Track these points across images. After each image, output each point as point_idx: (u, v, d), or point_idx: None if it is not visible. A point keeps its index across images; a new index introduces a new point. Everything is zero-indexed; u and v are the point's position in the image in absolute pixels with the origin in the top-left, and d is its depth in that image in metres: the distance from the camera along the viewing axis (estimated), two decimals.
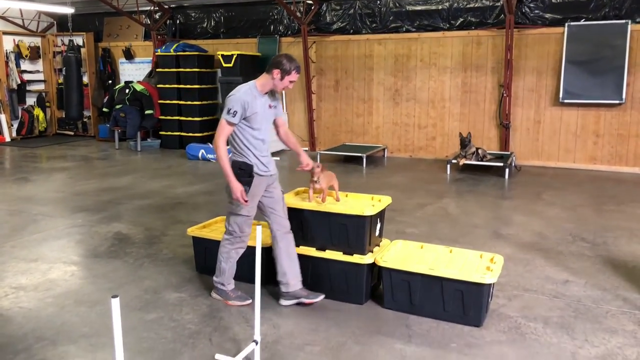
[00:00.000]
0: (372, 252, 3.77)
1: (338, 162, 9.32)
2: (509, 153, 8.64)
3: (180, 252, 4.74)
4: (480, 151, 8.28)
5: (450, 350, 3.12)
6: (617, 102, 8.05)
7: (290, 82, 3.51)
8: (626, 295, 3.82)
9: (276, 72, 3.46)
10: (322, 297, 3.70)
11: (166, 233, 5.30)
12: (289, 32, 10.58)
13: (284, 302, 3.72)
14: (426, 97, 9.63)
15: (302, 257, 3.80)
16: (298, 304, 3.70)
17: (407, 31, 9.64)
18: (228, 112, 3.42)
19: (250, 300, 3.70)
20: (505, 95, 8.78)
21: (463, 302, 3.39)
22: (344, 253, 3.72)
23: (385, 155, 9.90)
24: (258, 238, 2.80)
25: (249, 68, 10.26)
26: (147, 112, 10.50)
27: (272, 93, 3.60)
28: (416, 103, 9.72)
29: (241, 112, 3.42)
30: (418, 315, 3.52)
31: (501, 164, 7.96)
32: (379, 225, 3.90)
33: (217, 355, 3.06)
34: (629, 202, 6.41)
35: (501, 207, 6.31)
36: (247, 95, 3.44)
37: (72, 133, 12.53)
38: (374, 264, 3.69)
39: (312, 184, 3.85)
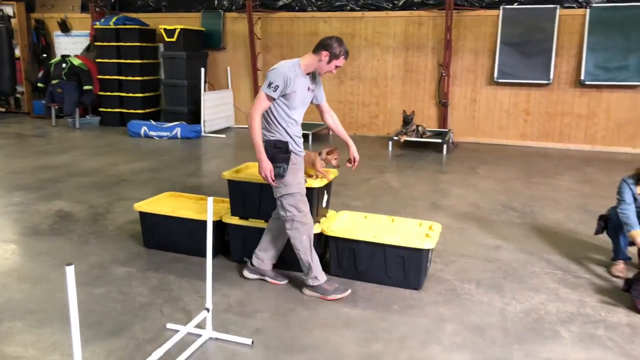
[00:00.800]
0: (319, 222, 3.92)
1: None
2: (447, 130, 9.03)
3: (126, 229, 4.72)
4: (420, 128, 8.60)
5: (393, 312, 3.35)
6: (546, 82, 8.57)
7: (336, 66, 3.37)
8: (549, 258, 4.19)
9: (325, 54, 3.31)
10: (286, 281, 3.73)
11: (111, 210, 5.24)
12: (234, 7, 10.45)
13: (248, 273, 3.77)
14: (370, 76, 9.84)
15: (252, 229, 3.91)
16: (261, 279, 3.76)
17: (352, 10, 9.77)
18: (269, 85, 3.26)
19: (349, 291, 3.57)
20: (444, 74, 9.13)
21: (404, 267, 3.62)
22: None
23: (331, 133, 10.07)
24: (209, 210, 2.88)
25: (193, 43, 10.09)
26: (85, 87, 10.14)
27: (313, 76, 3.45)
28: (360, 81, 9.91)
29: (282, 88, 3.26)
30: (363, 281, 3.72)
31: (439, 141, 8.32)
32: (325, 197, 4.05)
33: (168, 325, 3.13)
34: (554, 175, 6.91)
35: (439, 181, 6.64)
36: (290, 72, 3.28)
37: (3, 109, 11.91)
38: (321, 234, 3.85)
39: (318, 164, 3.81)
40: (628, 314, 3.31)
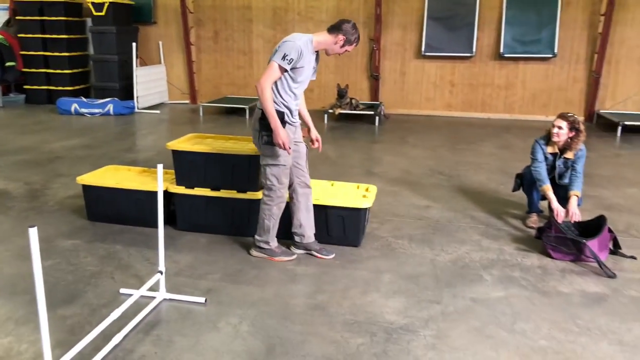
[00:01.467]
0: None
1: (220, 114, 9.43)
2: (378, 102, 9.40)
3: (67, 203, 4.71)
4: (353, 101, 8.92)
5: (334, 267, 3.63)
6: (469, 54, 9.10)
7: (346, 51, 3.47)
8: (473, 214, 4.62)
9: (341, 38, 3.37)
10: (333, 255, 3.75)
11: (49, 186, 5.18)
12: None
13: (294, 249, 3.81)
14: None
15: (198, 198, 4.05)
16: (307, 254, 3.79)
17: None
18: (283, 57, 3.24)
19: (295, 255, 3.76)
20: (375, 48, 9.45)
21: (344, 226, 3.90)
22: (238, 191, 4.03)
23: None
24: (160, 177, 3.00)
25: (123, 17, 9.81)
26: (7, 64, 9.64)
27: (317, 56, 3.51)
28: None
29: (295, 61, 3.27)
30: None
31: (372, 113, 8.69)
32: None
33: (122, 290, 3.25)
34: (477, 142, 7.46)
35: (372, 150, 7.00)
36: (305, 47, 3.30)
37: None
38: None
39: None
40: (540, 257, 3.77)
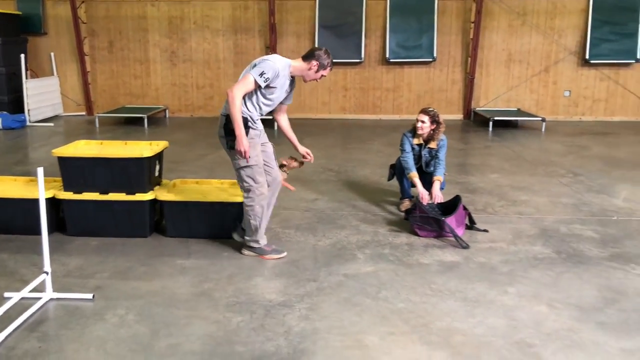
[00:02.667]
0: (153, 190, 4.27)
1: (118, 124, 9.33)
2: None
3: None
4: None
5: (223, 258, 3.86)
6: (358, 60, 9.71)
7: (322, 76, 3.66)
8: (355, 204, 5.05)
9: (315, 64, 3.58)
10: (285, 254, 3.86)
11: None
12: None
13: (246, 251, 3.89)
14: (202, 58, 10.14)
15: (86, 203, 4.12)
16: (256, 255, 3.87)
17: None
18: (261, 74, 3.41)
19: (285, 253, 3.86)
20: None
21: (232, 220, 4.14)
22: (127, 193, 4.15)
23: (167, 116, 10.20)
24: (40, 177, 3.10)
25: (9, 28, 9.44)
26: None
27: (292, 81, 3.71)
28: (193, 64, 10.17)
29: (271, 80, 3.45)
30: (197, 238, 4.17)
31: (270, 117, 8.98)
32: (157, 167, 4.40)
33: (6, 294, 3.27)
34: (367, 141, 8.02)
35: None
36: (282, 70, 3.51)
37: None
38: (155, 201, 4.21)
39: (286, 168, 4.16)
40: (408, 236, 4.24)
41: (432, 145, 4.66)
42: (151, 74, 10.25)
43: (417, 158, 4.72)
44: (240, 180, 3.70)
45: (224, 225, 4.14)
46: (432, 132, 4.65)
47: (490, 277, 3.51)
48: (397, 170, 4.87)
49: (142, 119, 9.17)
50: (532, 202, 5.10)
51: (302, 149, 4.05)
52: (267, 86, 3.50)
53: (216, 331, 2.89)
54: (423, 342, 2.77)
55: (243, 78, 3.49)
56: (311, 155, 4.07)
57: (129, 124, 9.32)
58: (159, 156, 4.39)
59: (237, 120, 3.43)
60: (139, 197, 4.14)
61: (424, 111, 4.65)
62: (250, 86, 3.47)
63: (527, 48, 9.76)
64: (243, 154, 3.50)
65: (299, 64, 3.64)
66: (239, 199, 4.10)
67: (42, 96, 9.63)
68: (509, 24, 9.71)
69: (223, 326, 2.94)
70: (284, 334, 2.84)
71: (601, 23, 9.47)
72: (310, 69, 3.62)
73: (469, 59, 9.67)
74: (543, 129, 8.95)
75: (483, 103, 9.97)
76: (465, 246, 3.99)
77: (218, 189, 4.40)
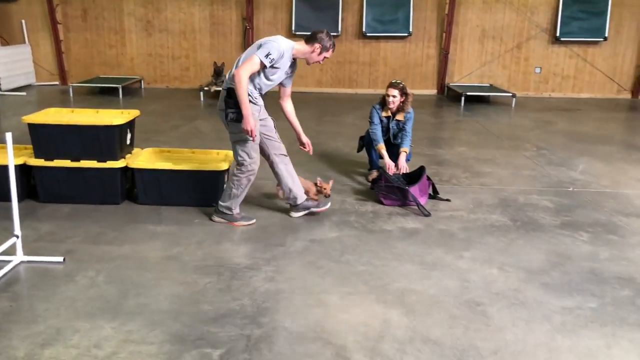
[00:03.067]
0: (124, 158, 4.34)
1: (93, 94, 9.26)
2: None
3: None
4: None
5: (194, 224, 3.97)
6: (335, 34, 9.72)
7: (324, 58, 3.73)
8: (326, 174, 5.17)
9: (317, 47, 3.67)
10: (329, 205, 4.09)
11: None
12: None
13: (295, 214, 4.09)
14: (178, 29, 10.05)
15: (58, 170, 4.17)
16: (309, 213, 4.09)
17: None
18: (266, 55, 3.49)
19: (254, 220, 3.97)
20: (248, 27, 9.76)
21: (204, 188, 4.25)
22: (98, 161, 4.21)
23: (142, 87, 10.13)
24: (9, 151, 3.15)
25: None
26: None
27: (293, 63, 3.77)
28: (169, 34, 10.07)
29: (275, 61, 3.53)
30: (168, 205, 4.27)
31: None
32: (129, 135, 4.46)
33: None
34: (341, 114, 8.12)
35: None
36: (286, 51, 3.58)
37: None
38: (127, 168, 4.28)
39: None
40: (374, 205, 4.40)
41: (400, 117, 4.80)
42: (126, 44, 10.14)
43: (386, 130, 4.85)
44: (236, 153, 3.81)
45: (195, 193, 4.25)
46: (401, 104, 4.78)
47: (448, 243, 3.70)
48: (366, 142, 5.01)
49: (116, 89, 9.11)
50: (495, 174, 5.30)
51: (305, 139, 4.18)
52: (272, 66, 3.58)
53: (184, 291, 3.02)
54: (379, 301, 2.95)
55: (249, 59, 3.54)
56: (310, 146, 4.21)
57: (103, 94, 9.25)
58: (130, 124, 4.44)
59: (244, 101, 3.52)
60: (110, 164, 4.20)
61: (393, 85, 4.76)
62: (257, 67, 3.54)
63: (501, 24, 9.90)
64: (250, 133, 3.59)
65: (302, 46, 3.72)
66: (211, 167, 4.21)
67: (14, 64, 9.48)
68: (483, 0, 9.81)
69: (190, 287, 3.07)
70: (249, 294, 2.99)
71: (572, 1, 9.64)
72: (313, 51, 3.71)
73: (444, 34, 9.77)
74: (513, 105, 9.17)
75: (457, 78, 10.12)
76: (427, 214, 4.17)
77: (190, 158, 4.48)
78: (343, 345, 2.54)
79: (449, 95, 10.02)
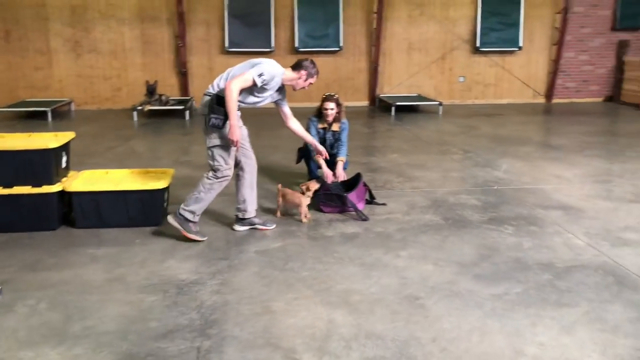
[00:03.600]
0: (60, 182, 4.25)
1: (19, 118, 8.92)
2: (189, 97, 9.74)
3: None
4: (163, 97, 9.13)
5: (135, 245, 3.95)
6: (268, 50, 9.90)
7: (310, 84, 3.99)
8: (266, 187, 5.26)
9: (303, 73, 3.92)
10: (274, 226, 4.21)
11: None
12: None
13: (239, 227, 4.18)
14: (108, 49, 9.88)
15: None
16: (252, 229, 4.18)
17: None
18: (260, 75, 3.68)
19: (206, 237, 4.00)
20: (180, 45, 9.75)
21: (144, 208, 4.24)
22: (32, 186, 4.11)
23: (72, 109, 9.86)
24: None
25: None
26: None
27: (282, 87, 3.99)
28: (98, 54, 9.88)
29: (267, 82, 3.73)
30: (107, 228, 4.22)
31: (182, 107, 9.00)
32: (64, 158, 4.38)
33: None
34: (277, 128, 7.84)
35: (182, 142, 7.37)
36: (277, 76, 3.82)
37: None
38: (63, 192, 4.20)
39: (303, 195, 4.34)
40: (314, 213, 4.54)
41: (335, 128, 5.00)
42: (54, 65, 9.84)
43: (322, 141, 5.03)
44: (212, 159, 3.93)
45: (136, 213, 4.23)
46: (337, 115, 4.98)
47: (386, 244, 3.90)
48: (304, 153, 5.16)
49: (45, 112, 8.82)
50: (426, 177, 5.61)
51: (321, 148, 4.45)
52: (262, 87, 3.78)
53: (130, 311, 3.02)
54: (324, 303, 3.08)
55: (241, 74, 3.72)
56: (325, 152, 4.47)
57: (31, 118, 8.92)
58: (65, 147, 4.38)
59: (233, 112, 3.70)
60: (46, 189, 4.12)
61: (329, 98, 4.97)
62: (248, 84, 3.73)
63: (426, 37, 10.43)
64: (235, 144, 3.78)
65: (289, 74, 3.96)
66: (152, 186, 4.21)
67: None
68: (408, 14, 10.31)
69: (136, 306, 3.08)
70: (197, 308, 3.04)
71: (489, 14, 10.32)
72: (299, 77, 3.96)
73: (373, 48, 10.16)
74: (440, 112, 9.67)
75: (387, 90, 10.54)
76: (365, 218, 4.36)
77: (129, 178, 4.46)
78: (292, 348, 2.65)
79: (380, 106, 10.41)
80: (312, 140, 4.50)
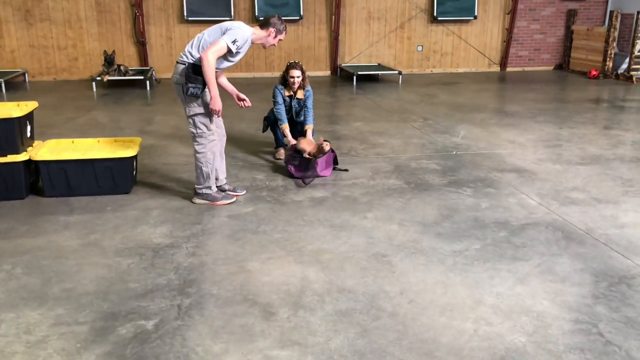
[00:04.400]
0: (26, 151, 4.22)
1: None
2: (149, 68, 9.57)
3: None
4: (122, 67, 8.95)
5: (107, 212, 4.00)
6: (228, 18, 9.77)
7: (279, 40, 3.99)
8: (234, 155, 5.35)
9: (272, 30, 3.89)
10: (244, 192, 4.33)
11: None
12: None
13: (198, 200, 4.15)
14: (61, 18, 9.54)
15: None
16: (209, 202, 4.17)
17: None
18: (233, 42, 3.69)
19: (235, 198, 4.18)
20: (137, 14, 9.51)
21: (113, 176, 4.27)
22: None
23: (27, 80, 9.53)
24: None
25: None
26: None
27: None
28: (52, 24, 9.54)
29: (240, 47, 3.75)
30: (77, 196, 4.24)
31: (142, 78, 8.86)
32: (29, 127, 4.33)
33: None
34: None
35: (144, 112, 7.30)
36: (249, 38, 3.82)
37: None
38: (30, 161, 4.18)
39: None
40: (284, 179, 4.68)
41: (300, 95, 5.10)
42: (4, 35, 9.44)
43: (288, 109, 5.13)
44: (194, 127, 3.98)
45: (105, 181, 4.26)
46: (302, 82, 5.07)
47: (353, 207, 4.09)
48: (270, 122, 5.26)
49: None
50: (388, 144, 5.81)
51: (238, 93, 4.45)
52: (236, 52, 3.80)
53: (108, 273, 3.11)
54: (297, 262, 3.25)
55: (215, 43, 3.70)
56: (247, 100, 4.46)
57: None
58: (29, 116, 4.32)
59: (212, 82, 3.74)
60: (12, 158, 4.09)
61: (294, 66, 5.03)
62: (223, 51, 3.74)
63: (384, 6, 10.53)
64: (217, 113, 3.91)
65: (258, 32, 3.94)
66: (120, 155, 4.24)
67: None
68: None
69: (114, 269, 3.16)
70: (174, 269, 3.15)
71: None
72: (269, 35, 3.94)
73: (333, 17, 10.20)
74: (400, 82, 9.87)
75: (348, 59, 10.64)
76: (305, 182, 4.51)
77: (96, 147, 4.46)
78: (269, 303, 2.81)
79: (341, 76, 10.52)
80: (233, 88, 4.46)
